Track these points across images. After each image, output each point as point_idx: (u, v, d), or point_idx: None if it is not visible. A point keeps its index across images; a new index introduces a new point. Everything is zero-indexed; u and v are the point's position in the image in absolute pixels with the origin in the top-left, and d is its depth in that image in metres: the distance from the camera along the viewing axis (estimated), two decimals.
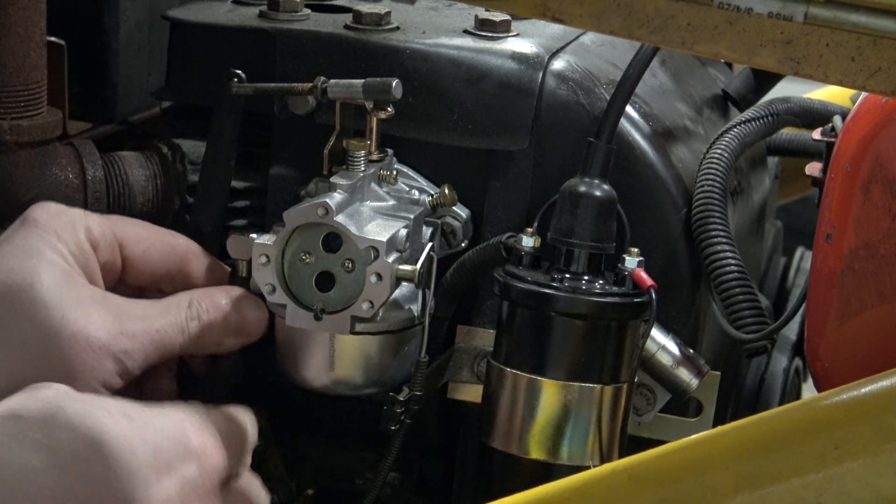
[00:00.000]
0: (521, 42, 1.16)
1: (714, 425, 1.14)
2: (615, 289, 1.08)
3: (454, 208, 1.14)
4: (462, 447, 1.18)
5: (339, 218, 1.05)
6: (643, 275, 1.08)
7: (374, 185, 1.11)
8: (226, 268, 1.13)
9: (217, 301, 1.07)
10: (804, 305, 1.08)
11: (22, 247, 1.01)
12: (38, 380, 0.94)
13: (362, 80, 1.09)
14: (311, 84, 1.11)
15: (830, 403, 0.91)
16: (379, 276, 1.04)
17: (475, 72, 1.13)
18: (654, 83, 1.25)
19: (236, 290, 1.09)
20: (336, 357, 1.09)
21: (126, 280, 1.10)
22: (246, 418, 1.02)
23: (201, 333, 1.06)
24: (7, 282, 0.99)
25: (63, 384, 0.94)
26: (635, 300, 1.07)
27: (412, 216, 1.10)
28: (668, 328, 1.13)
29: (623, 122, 1.12)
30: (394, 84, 1.08)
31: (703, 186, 1.16)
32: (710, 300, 1.16)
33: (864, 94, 1.04)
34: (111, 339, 0.99)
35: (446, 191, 1.13)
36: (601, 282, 1.08)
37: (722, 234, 1.13)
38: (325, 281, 1.06)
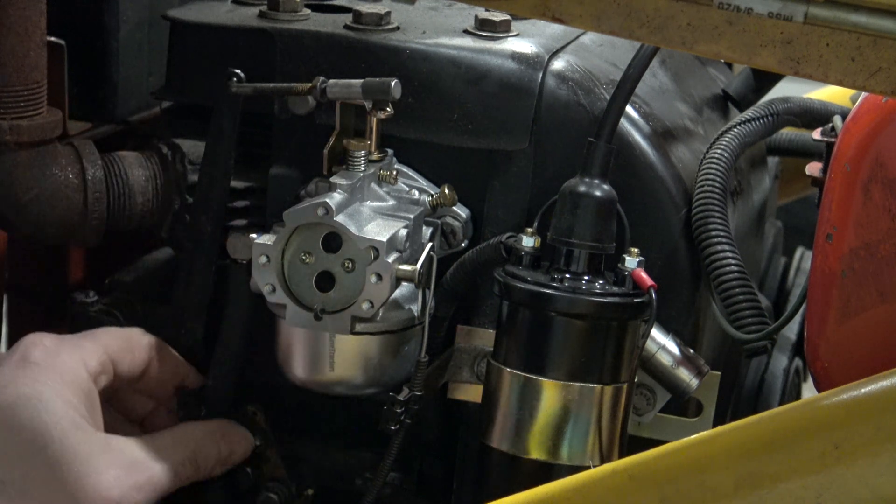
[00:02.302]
0: (521, 42, 1.16)
1: (714, 425, 1.14)
2: (615, 289, 1.08)
3: (454, 208, 1.14)
4: (462, 447, 1.18)
5: (339, 218, 1.05)
6: (643, 275, 1.07)
7: (374, 185, 1.11)
8: (187, 366, 1.18)
9: (210, 437, 1.14)
10: (804, 305, 1.08)
11: (28, 397, 1.05)
12: None
13: (361, 80, 1.09)
14: (310, 84, 1.11)
15: (830, 403, 0.91)
16: (379, 276, 1.04)
17: (475, 72, 1.13)
18: (654, 83, 1.25)
19: (225, 424, 1.16)
20: (336, 357, 1.09)
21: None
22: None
23: (195, 473, 1.13)
24: (21, 439, 1.04)
25: None
26: (635, 300, 1.07)
27: (412, 216, 1.10)
28: (668, 328, 1.13)
29: (623, 122, 1.12)
30: (393, 84, 1.08)
31: (703, 186, 1.16)
32: (710, 300, 1.16)
33: (864, 94, 1.04)
34: (123, 495, 1.06)
35: (446, 191, 1.13)
36: (601, 282, 1.08)
37: (722, 234, 1.13)
38: (325, 281, 1.06)
